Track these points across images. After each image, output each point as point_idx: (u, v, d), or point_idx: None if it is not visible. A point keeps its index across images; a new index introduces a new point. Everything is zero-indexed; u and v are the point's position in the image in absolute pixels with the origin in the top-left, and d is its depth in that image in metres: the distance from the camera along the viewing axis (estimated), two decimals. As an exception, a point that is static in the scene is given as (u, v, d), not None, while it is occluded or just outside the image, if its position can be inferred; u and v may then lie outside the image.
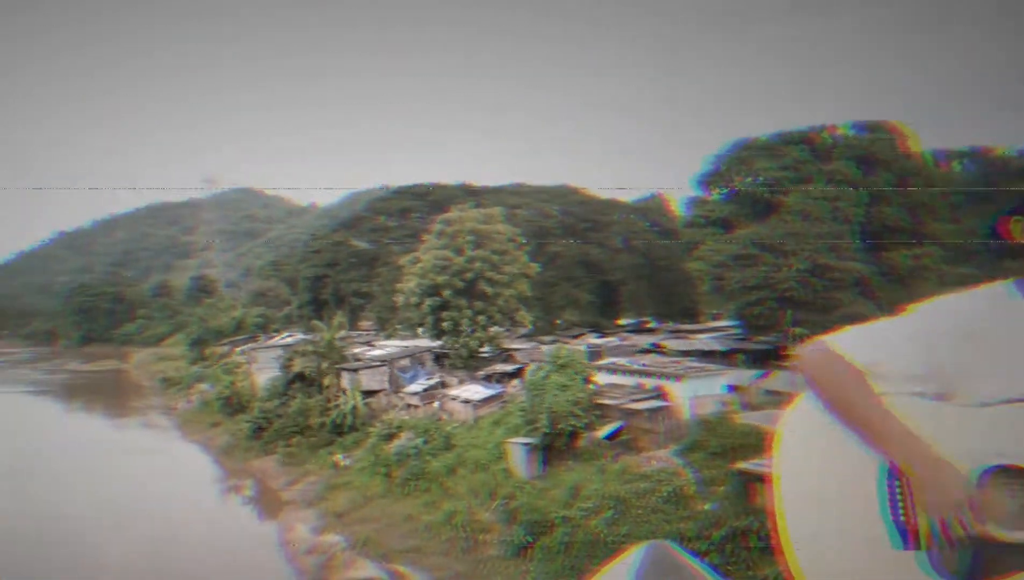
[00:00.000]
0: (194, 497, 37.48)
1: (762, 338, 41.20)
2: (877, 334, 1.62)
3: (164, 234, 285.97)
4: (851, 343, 1.58)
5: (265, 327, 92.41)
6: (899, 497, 1.49)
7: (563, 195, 75.66)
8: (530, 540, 23.71)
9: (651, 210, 70.29)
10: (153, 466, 46.13)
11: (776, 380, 31.52)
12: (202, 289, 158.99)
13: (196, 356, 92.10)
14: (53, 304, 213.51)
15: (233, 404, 54.06)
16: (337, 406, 42.18)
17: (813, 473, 1.56)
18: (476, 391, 39.97)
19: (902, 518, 1.48)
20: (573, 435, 29.06)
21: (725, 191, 51.65)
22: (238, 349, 77.97)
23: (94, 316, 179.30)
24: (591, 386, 32.20)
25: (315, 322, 59.08)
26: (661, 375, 31.56)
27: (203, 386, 69.56)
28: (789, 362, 32.35)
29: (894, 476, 1.50)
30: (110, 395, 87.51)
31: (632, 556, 1.91)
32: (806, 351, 1.62)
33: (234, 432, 48.43)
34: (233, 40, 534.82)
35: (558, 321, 63.97)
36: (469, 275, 46.96)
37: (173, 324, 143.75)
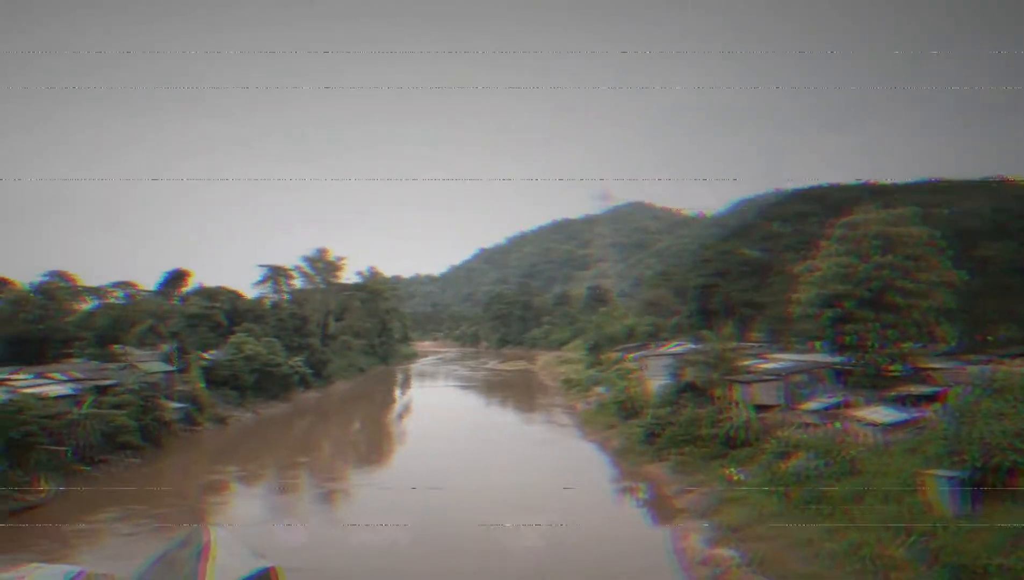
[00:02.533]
0: (592, 493, 39.94)
1: None
2: None
3: (564, 248, 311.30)
4: None
5: (655, 335, 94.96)
6: None
7: (995, 189, 64.80)
8: (955, 588, 20.63)
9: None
10: (556, 459, 50.47)
11: None
12: (597, 298, 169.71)
13: (593, 360, 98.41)
14: (476, 311, 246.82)
15: (627, 408, 56.48)
16: (728, 418, 41.48)
17: None
18: (885, 414, 36.15)
19: None
20: (1012, 472, 24.59)
21: None
22: (631, 355, 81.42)
23: (508, 322, 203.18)
24: (1038, 416, 26.94)
25: (704, 332, 59.00)
26: None
27: (600, 389, 73.98)
28: None
29: None
30: (521, 392, 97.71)
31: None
32: None
33: (628, 435, 50.53)
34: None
35: (990, 337, 54.83)
36: (875, 284, 42.77)
37: (573, 330, 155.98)
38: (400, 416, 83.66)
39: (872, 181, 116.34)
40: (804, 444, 34.28)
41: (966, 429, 26.28)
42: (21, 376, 55.19)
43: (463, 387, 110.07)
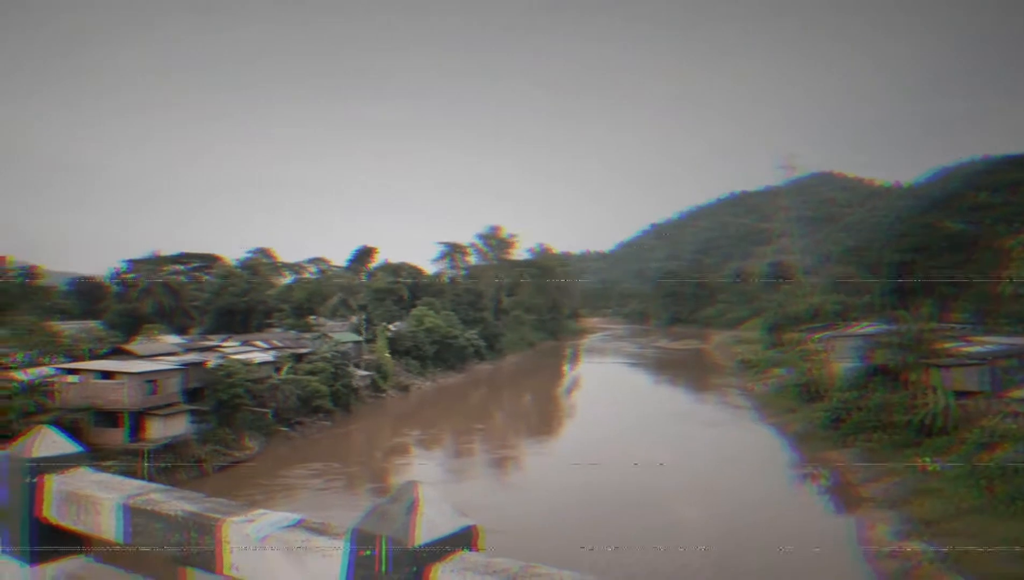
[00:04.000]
0: (771, 478, 38.47)
1: None
2: None
3: (741, 222, 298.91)
4: None
5: (843, 315, 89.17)
6: None
7: None
8: None
9: None
10: (731, 441, 49.01)
11: None
12: (779, 275, 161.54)
13: (772, 341, 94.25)
14: (646, 288, 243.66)
15: (810, 391, 53.73)
16: (924, 404, 38.33)
17: None
18: (1115, 405, 31.93)
19: None
20: None
21: None
22: (815, 336, 77.04)
23: (679, 299, 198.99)
24: None
25: (899, 312, 54.67)
26: None
27: (779, 371, 70.84)
28: None
29: None
30: (692, 371, 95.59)
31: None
32: None
33: (810, 419, 48.11)
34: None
35: None
36: (1107, 260, 37.68)
37: (751, 309, 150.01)
38: (569, 390, 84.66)
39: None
40: (1012, 435, 31.05)
41: None
42: (230, 343, 61.37)
43: (632, 364, 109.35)
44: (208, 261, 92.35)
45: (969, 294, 68.93)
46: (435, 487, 1.99)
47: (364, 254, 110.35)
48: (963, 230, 75.41)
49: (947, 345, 47.53)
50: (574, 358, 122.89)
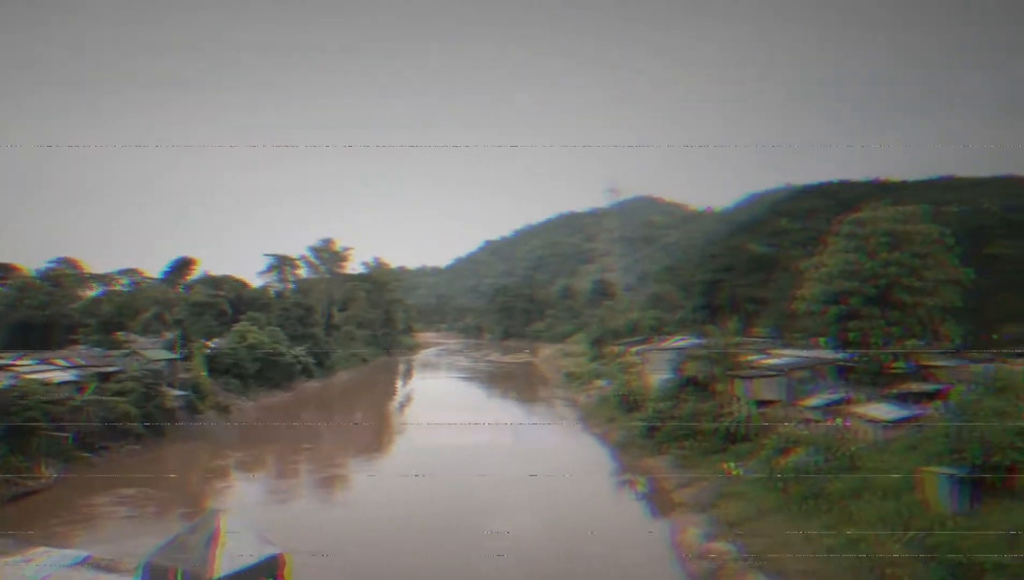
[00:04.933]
0: (594, 486, 39.88)
1: None
2: None
3: (571, 242, 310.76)
4: None
5: (659, 329, 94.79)
6: None
7: (1007, 187, 64.33)
8: (953, 584, 20.51)
9: None
10: (557, 451, 50.42)
11: None
12: (602, 292, 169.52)
13: (595, 354, 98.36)
14: (480, 303, 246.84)
15: (628, 402, 56.40)
16: (730, 413, 41.36)
17: None
18: (886, 411, 35.97)
19: None
20: (1011, 470, 24.42)
21: None
22: (633, 349, 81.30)
23: (512, 314, 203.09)
24: (1040, 415, 26.78)
25: (708, 327, 58.83)
26: None
27: (601, 382, 73.91)
28: None
29: None
30: (523, 384, 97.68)
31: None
32: None
33: (629, 429, 50.46)
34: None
35: (995, 336, 54.50)
36: (881, 281, 42.54)
37: (576, 323, 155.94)
38: (401, 406, 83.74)
39: (882, 178, 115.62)
40: (804, 440, 34.16)
41: (967, 427, 26.10)
42: (25, 362, 55.32)
43: (465, 378, 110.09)
44: (1, 271, 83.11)
45: (770, 311, 75.50)
46: (241, 515, 1.73)
47: (182, 266, 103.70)
48: (766, 253, 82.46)
49: (750, 358, 51.69)
50: (408, 373, 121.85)
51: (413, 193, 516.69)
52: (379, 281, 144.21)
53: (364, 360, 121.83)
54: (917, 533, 23.15)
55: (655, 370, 60.86)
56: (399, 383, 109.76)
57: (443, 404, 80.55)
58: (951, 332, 45.50)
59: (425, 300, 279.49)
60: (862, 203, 50.03)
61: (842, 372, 45.85)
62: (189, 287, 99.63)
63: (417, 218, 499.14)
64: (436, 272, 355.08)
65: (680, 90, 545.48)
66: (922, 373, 43.41)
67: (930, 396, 37.71)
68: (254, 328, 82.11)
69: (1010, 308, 52.81)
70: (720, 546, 27.21)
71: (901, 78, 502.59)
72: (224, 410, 67.93)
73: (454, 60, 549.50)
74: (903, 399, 38.54)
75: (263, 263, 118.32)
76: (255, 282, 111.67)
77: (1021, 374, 32.70)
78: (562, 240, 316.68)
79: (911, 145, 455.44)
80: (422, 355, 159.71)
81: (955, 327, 45.94)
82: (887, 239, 43.46)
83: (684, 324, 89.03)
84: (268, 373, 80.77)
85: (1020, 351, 47.29)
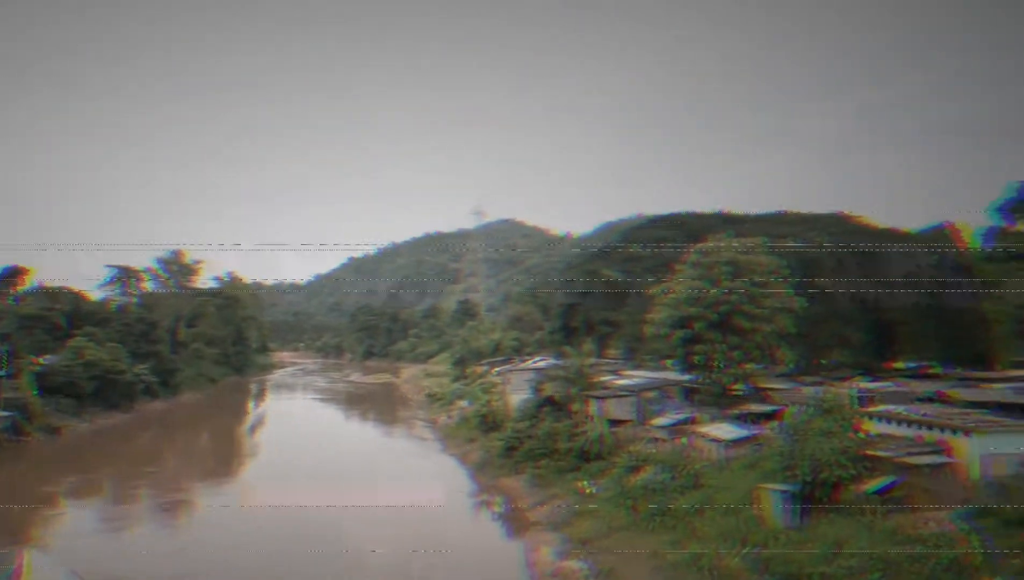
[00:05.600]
0: (449, 507, 39.60)
1: (1081, 394, 34.72)
2: None
3: (436, 261, 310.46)
4: None
5: (520, 350, 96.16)
6: None
7: (835, 223, 70.18)
8: (783, 594, 21.93)
9: (939, 241, 62.74)
10: (414, 473, 49.82)
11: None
12: (466, 312, 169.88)
13: (458, 374, 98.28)
14: (342, 321, 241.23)
15: (488, 422, 56.66)
16: (583, 432, 42.41)
17: None
18: (727, 430, 38.07)
19: None
20: (836, 486, 26.48)
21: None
22: (495, 370, 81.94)
23: (374, 333, 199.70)
24: (859, 434, 29.24)
25: (566, 348, 60.24)
26: (945, 427, 27.77)
27: (463, 403, 73.87)
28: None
29: None
30: (383, 405, 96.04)
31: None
32: None
33: (488, 449, 50.65)
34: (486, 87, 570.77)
35: (824, 361, 59.15)
36: (724, 308, 45.10)
37: (440, 343, 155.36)
38: (252, 429, 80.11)
39: (727, 211, 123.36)
40: (652, 458, 35.54)
41: (798, 446, 28.07)
42: None
43: (322, 400, 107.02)
44: None
45: (623, 334, 78.38)
46: (57, 549, 1.50)
47: (11, 275, 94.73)
48: (619, 278, 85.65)
49: (604, 378, 53.36)
50: (260, 394, 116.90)
51: (274, 207, 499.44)
52: (231, 296, 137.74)
53: (213, 380, 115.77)
54: (753, 548, 24.55)
55: (516, 390, 61.57)
56: (251, 404, 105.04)
57: (297, 427, 77.83)
58: (785, 356, 48.86)
59: (282, 317, 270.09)
60: (708, 234, 52.99)
61: (688, 393, 48.18)
62: (19, 299, 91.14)
63: (277, 232, 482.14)
64: (295, 289, 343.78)
65: (543, 117, 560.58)
66: (760, 394, 46.33)
67: (767, 416, 40.26)
68: (92, 344, 76.23)
69: (836, 335, 57.47)
70: (572, 564, 27.72)
71: (743, 119, 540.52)
72: (54, 431, 62.48)
73: (324, 74, 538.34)
74: (743, 419, 40.92)
75: (104, 275, 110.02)
76: (95, 295, 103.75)
77: (845, 396, 35.66)
78: (428, 259, 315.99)
79: (751, 180, 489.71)
80: (277, 375, 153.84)
81: (789, 352, 49.39)
82: (729, 269, 46.18)
83: (544, 345, 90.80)
84: (106, 393, 75.11)
85: (844, 375, 51.54)
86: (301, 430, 74.15)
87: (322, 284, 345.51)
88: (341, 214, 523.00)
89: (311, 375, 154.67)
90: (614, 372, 58.91)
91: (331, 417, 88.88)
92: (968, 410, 32.47)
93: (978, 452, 25.88)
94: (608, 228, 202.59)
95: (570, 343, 63.89)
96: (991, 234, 47.13)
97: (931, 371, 54.80)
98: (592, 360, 53.75)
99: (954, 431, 27.29)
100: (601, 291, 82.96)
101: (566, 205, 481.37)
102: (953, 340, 54.13)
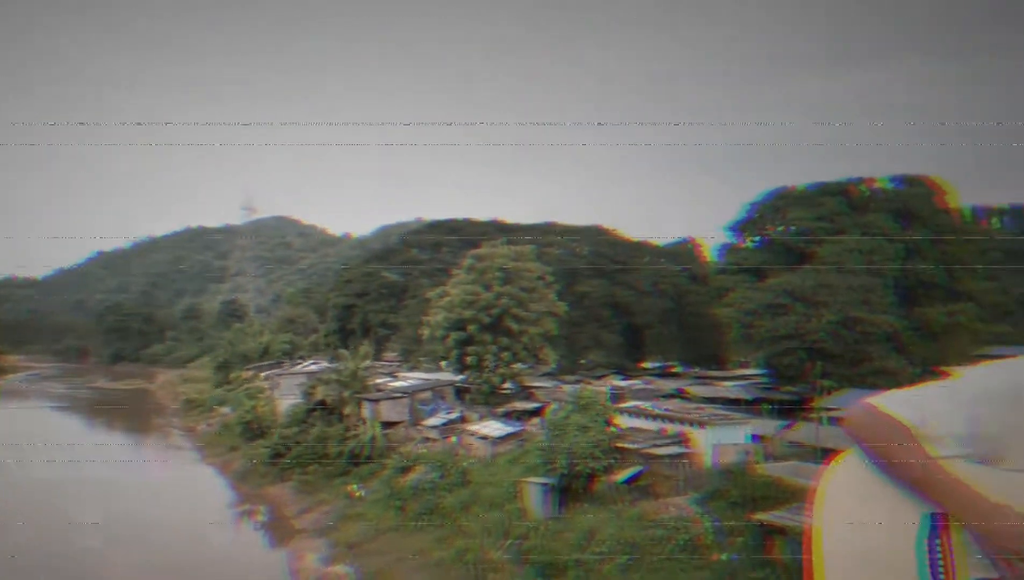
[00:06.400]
0: (205, 521, 37.19)
1: (789, 388, 40.32)
2: (924, 396, 1.61)
3: (199, 258, 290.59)
4: (898, 404, 1.58)
5: (292, 354, 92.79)
6: (939, 558, 1.49)
7: (594, 235, 75.37)
8: (541, 583, 23.19)
9: (682, 254, 69.87)
10: (166, 485, 46.22)
11: (801, 432, 30.72)
12: (232, 313, 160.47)
13: (221, 379, 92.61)
14: (87, 321, 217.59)
15: (253, 429, 54.00)
16: (355, 436, 41.93)
17: (858, 531, 1.54)
18: (495, 428, 39.53)
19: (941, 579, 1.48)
20: (591, 477, 28.51)
21: (758, 239, 51.30)
22: (263, 374, 78.36)
23: (125, 335, 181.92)
24: (612, 429, 31.69)
25: (341, 351, 59.17)
26: (684, 421, 30.98)
27: (224, 409, 69.80)
28: (816, 414, 31.56)
29: (935, 537, 1.50)
30: (133, 413, 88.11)
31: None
32: (853, 410, 1.62)
33: (252, 457, 48.30)
34: (270, 69, 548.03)
35: (583, 361, 63.36)
36: (496, 311, 46.80)
37: (201, 347, 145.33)
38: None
39: (501, 219, 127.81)
40: (423, 458, 36.00)
41: (557, 440, 29.85)
42: None
43: (61, 408, 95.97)
44: None
45: (400, 336, 78.53)
46: None
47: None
48: (397, 280, 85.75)
49: (380, 381, 53.13)
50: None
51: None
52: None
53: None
54: (515, 540, 25.71)
55: (285, 395, 59.27)
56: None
57: (30, 439, 69.06)
58: (549, 357, 51.75)
59: (14, 316, 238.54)
60: (482, 240, 54.81)
61: (460, 393, 49.40)
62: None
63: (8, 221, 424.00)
64: (31, 284, 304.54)
65: (326, 112, 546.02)
66: (526, 393, 48.65)
67: (532, 413, 42.34)
68: None
69: (593, 338, 61.87)
70: (338, 569, 27.33)
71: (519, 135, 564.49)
72: None
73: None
74: (509, 417, 42.70)
75: None
76: None
77: (600, 394, 38.49)
78: (189, 256, 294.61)
79: (522, 192, 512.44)
80: (5, 382, 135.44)
81: (552, 353, 52.39)
82: (501, 274, 48.09)
83: (318, 348, 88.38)
84: None
85: (600, 374, 55.62)
86: (34, 442, 65.89)
87: (64, 279, 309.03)
88: (87, 206, 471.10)
89: (48, 381, 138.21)
90: (391, 374, 58.81)
91: (72, 427, 79.89)
92: (703, 405, 36.45)
93: (711, 442, 29.13)
94: (387, 230, 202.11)
95: (347, 346, 62.82)
96: (724, 250, 53.32)
97: (674, 370, 60.88)
98: (368, 363, 53.29)
99: (691, 424, 30.53)
100: (380, 293, 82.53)
101: (345, 205, 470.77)
102: (692, 342, 60.64)
